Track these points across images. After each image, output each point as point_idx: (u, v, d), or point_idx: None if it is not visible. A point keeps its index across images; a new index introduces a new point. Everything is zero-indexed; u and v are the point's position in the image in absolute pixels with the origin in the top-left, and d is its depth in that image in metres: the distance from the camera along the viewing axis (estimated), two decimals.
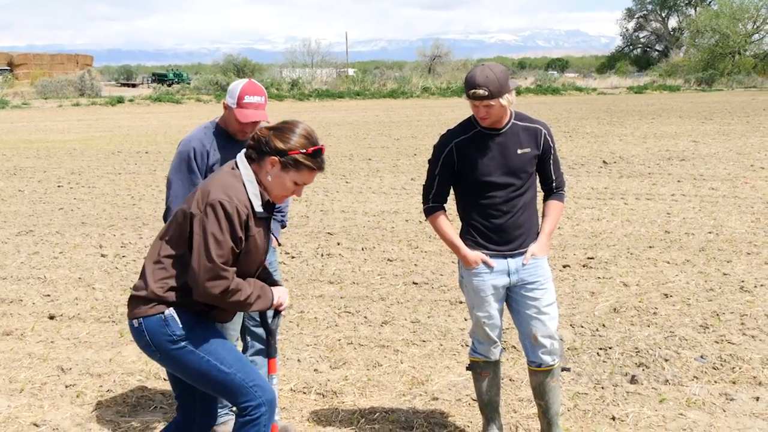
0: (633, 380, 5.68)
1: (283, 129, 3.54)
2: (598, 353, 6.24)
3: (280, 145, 3.48)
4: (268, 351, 3.97)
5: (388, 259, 9.54)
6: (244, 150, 3.62)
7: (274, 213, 5.01)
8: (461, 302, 7.61)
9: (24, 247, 10.71)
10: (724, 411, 5.18)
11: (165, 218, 4.72)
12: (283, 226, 5.18)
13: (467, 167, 4.43)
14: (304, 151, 3.49)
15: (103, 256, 10.11)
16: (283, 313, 3.90)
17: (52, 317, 7.61)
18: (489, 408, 4.75)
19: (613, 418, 5.10)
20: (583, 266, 8.97)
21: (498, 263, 4.46)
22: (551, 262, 8.84)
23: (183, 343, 3.47)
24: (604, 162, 18.03)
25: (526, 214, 4.51)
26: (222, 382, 3.53)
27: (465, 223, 4.56)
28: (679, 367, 5.87)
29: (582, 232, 10.81)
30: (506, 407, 5.28)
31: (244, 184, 3.51)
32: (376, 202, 13.78)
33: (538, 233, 4.58)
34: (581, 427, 4.99)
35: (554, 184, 4.63)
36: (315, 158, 3.53)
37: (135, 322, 3.53)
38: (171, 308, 3.47)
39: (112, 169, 18.99)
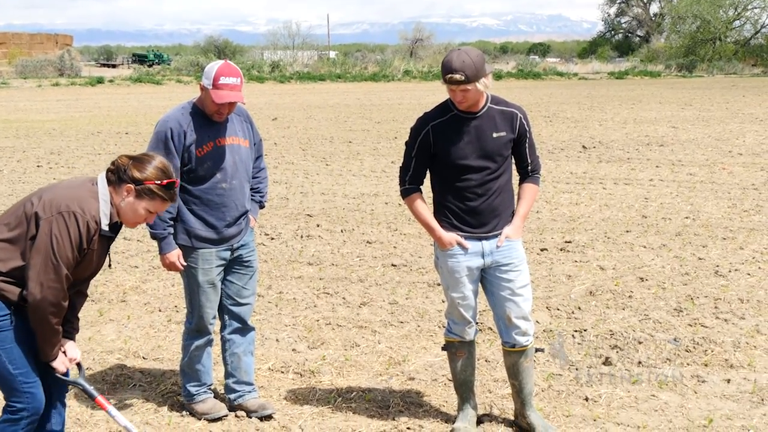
0: (607, 362, 5.77)
1: (142, 160, 3.76)
2: (573, 335, 6.32)
3: (137, 174, 3.69)
4: (89, 394, 4.05)
5: (368, 242, 9.58)
6: (105, 171, 3.78)
7: (253, 193, 5.04)
8: (439, 284, 7.65)
9: None
10: (696, 393, 5.27)
11: None
12: (262, 207, 5.20)
13: (443, 150, 4.47)
14: (159, 182, 3.71)
15: None
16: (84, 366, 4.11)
17: None
18: (464, 388, 4.81)
19: (587, 399, 5.18)
20: (561, 250, 9.06)
21: (472, 245, 4.52)
22: (529, 246, 8.93)
23: None
24: (583, 147, 18.14)
25: (501, 197, 4.56)
26: (2, 375, 3.68)
27: (440, 205, 4.61)
28: (652, 350, 5.96)
29: (560, 216, 10.89)
30: (481, 387, 5.35)
31: (98, 201, 3.68)
32: (356, 184, 13.81)
33: (513, 216, 4.64)
34: (555, 407, 5.07)
35: (530, 168, 4.69)
36: (168, 190, 3.76)
37: None
38: None
39: (92, 149, 18.89)
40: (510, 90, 41.31)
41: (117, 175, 3.70)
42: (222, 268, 4.87)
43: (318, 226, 10.50)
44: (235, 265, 4.95)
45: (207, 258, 4.79)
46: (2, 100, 37.33)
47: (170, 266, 4.75)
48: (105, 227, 3.67)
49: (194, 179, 4.71)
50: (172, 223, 4.71)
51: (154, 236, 4.70)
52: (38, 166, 16.27)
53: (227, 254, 4.87)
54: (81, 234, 3.57)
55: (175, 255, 4.71)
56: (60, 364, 3.80)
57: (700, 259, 8.56)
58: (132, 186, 3.67)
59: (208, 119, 4.71)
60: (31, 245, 3.56)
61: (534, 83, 54.86)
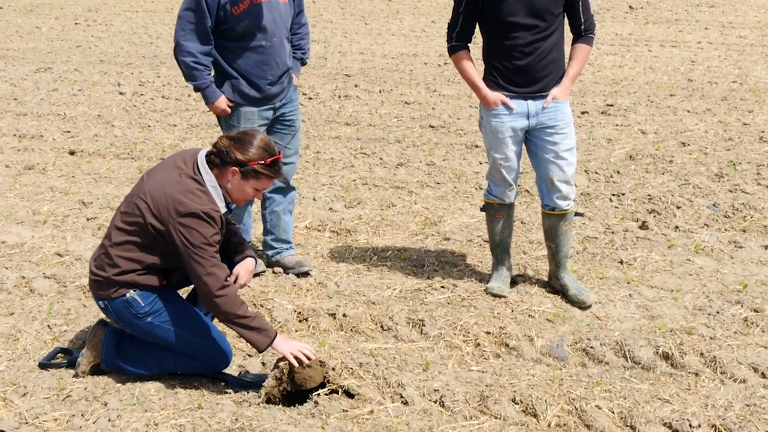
0: (643, 226, 5.75)
1: (243, 141, 3.68)
2: (610, 199, 6.29)
3: (240, 156, 3.64)
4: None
5: (406, 102, 9.50)
6: (204, 154, 3.72)
7: (294, 50, 4.98)
8: (477, 146, 7.63)
9: (43, 84, 10.72)
10: (732, 258, 5.26)
11: (175, 54, 4.69)
12: (303, 63, 5.14)
13: (491, 6, 4.34)
14: (263, 162, 3.66)
15: (121, 93, 10.12)
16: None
17: (72, 153, 7.71)
18: (500, 249, 4.84)
19: (621, 262, 5.19)
20: (602, 113, 8.91)
21: (518, 105, 4.44)
22: (570, 108, 8.79)
23: (148, 318, 3.76)
24: (630, 7, 17.53)
25: (550, 57, 4.44)
26: (186, 345, 3.83)
27: (488, 65, 4.51)
28: (690, 215, 5.92)
29: (603, 79, 10.67)
30: (516, 248, 5.38)
31: (209, 192, 3.65)
32: (395, 44, 13.58)
33: (562, 78, 4.53)
34: (589, 270, 5.09)
35: (583, 27, 4.51)
36: (273, 167, 3.71)
37: (101, 303, 3.79)
38: (131, 290, 3.71)
39: (129, 6, 18.69)
40: None
41: (220, 158, 3.67)
42: (265, 128, 4.86)
43: (356, 86, 10.41)
44: (277, 124, 4.94)
45: (249, 118, 4.77)
46: None
47: (222, 113, 4.75)
48: (224, 209, 3.70)
49: (233, 38, 4.65)
50: (211, 70, 4.70)
51: (197, 88, 4.69)
52: (76, 23, 16.18)
53: (269, 113, 4.85)
54: (215, 226, 3.61)
55: (223, 101, 4.70)
56: (290, 351, 3.71)
57: (745, 124, 8.37)
58: (237, 168, 3.66)
59: None
60: (155, 236, 3.63)
61: None
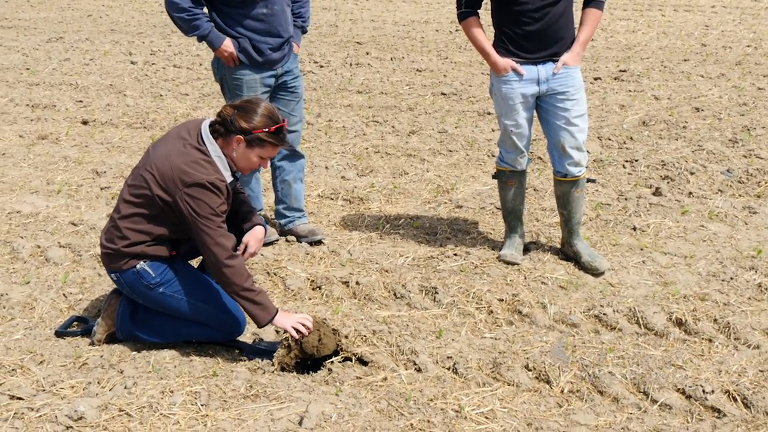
0: (657, 192, 5.73)
1: (247, 109, 3.67)
2: (623, 165, 6.27)
3: (244, 124, 3.63)
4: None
5: (417, 70, 9.45)
6: (207, 124, 3.70)
7: (295, 18, 4.96)
8: (489, 113, 7.60)
9: (55, 54, 10.71)
10: (746, 224, 5.24)
11: (170, 13, 4.66)
12: (304, 32, 5.11)
13: None
14: (267, 129, 3.65)
15: (132, 63, 10.11)
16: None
17: (85, 122, 7.72)
18: (512, 216, 4.84)
19: (634, 229, 5.18)
20: (615, 79, 8.85)
21: (528, 71, 4.40)
22: (582, 74, 8.74)
23: (160, 289, 3.78)
24: None
25: (560, 23, 4.40)
26: (199, 314, 3.84)
27: (498, 31, 4.48)
28: (704, 181, 5.90)
29: (615, 44, 10.58)
30: (529, 216, 5.37)
31: (213, 162, 3.64)
32: (406, 11, 13.49)
33: (572, 44, 4.49)
34: (602, 236, 5.08)
35: None
36: (277, 135, 3.69)
37: (113, 276, 3.80)
38: (142, 261, 3.73)
39: None
40: None
41: (225, 127, 3.67)
42: (267, 95, 4.85)
43: (367, 53, 10.36)
44: (280, 92, 4.92)
45: (252, 86, 4.76)
46: None
47: (229, 57, 4.72)
48: (229, 178, 3.69)
49: (234, 4, 4.63)
50: (207, 17, 4.69)
51: (201, 37, 4.67)
52: None
53: (272, 81, 4.83)
54: (221, 196, 3.60)
55: (229, 43, 4.68)
56: (291, 324, 3.74)
57: (759, 89, 8.30)
58: (241, 136, 3.65)
59: None
60: (162, 208, 3.63)
61: None
